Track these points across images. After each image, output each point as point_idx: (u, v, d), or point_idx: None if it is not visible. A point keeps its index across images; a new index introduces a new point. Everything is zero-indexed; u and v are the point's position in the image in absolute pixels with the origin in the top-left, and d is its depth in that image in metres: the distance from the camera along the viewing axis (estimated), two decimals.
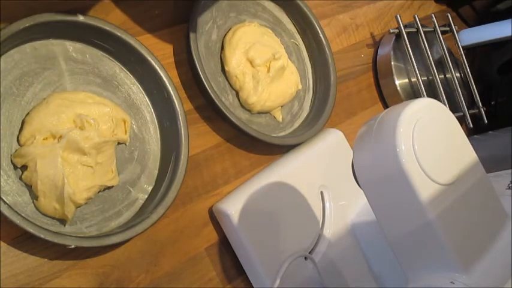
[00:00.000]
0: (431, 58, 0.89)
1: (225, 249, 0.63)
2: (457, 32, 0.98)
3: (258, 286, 0.62)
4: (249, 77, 0.67)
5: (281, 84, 0.71)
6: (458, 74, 0.97)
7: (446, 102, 0.88)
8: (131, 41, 0.58)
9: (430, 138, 0.49)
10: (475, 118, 0.95)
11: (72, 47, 0.56)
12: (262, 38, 0.70)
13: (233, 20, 0.70)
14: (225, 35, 0.69)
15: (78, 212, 0.53)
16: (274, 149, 0.71)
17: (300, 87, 0.74)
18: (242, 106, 0.69)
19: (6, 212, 0.46)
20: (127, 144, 0.58)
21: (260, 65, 0.68)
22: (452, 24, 0.97)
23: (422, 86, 0.86)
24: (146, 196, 0.58)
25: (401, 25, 0.88)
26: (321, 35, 0.77)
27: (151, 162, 0.60)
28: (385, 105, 0.90)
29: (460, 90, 0.93)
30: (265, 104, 0.69)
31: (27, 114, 0.52)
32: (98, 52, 0.58)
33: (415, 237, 0.49)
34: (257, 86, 0.68)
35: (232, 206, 0.61)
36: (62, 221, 0.52)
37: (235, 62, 0.67)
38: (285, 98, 0.72)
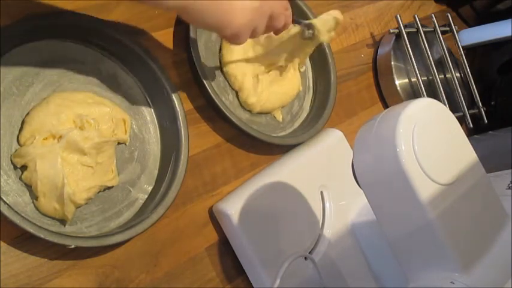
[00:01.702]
0: (431, 58, 0.89)
1: (225, 249, 0.63)
2: (457, 32, 0.98)
3: (258, 286, 0.62)
4: (249, 77, 0.67)
5: (283, 86, 0.70)
6: (458, 74, 0.97)
7: (446, 102, 0.88)
8: (131, 41, 0.58)
9: (430, 138, 0.49)
10: (475, 118, 0.95)
11: (72, 47, 0.56)
12: (262, 38, 0.69)
13: None
14: None
15: (78, 212, 0.53)
16: (274, 149, 0.71)
17: (301, 89, 0.74)
18: (242, 106, 0.69)
19: (6, 212, 0.46)
20: (127, 144, 0.58)
21: (260, 66, 0.68)
22: (452, 24, 0.97)
23: (422, 86, 0.86)
24: (146, 196, 0.58)
25: (401, 25, 0.88)
26: None
27: (151, 162, 0.60)
28: (385, 105, 0.90)
29: (460, 90, 0.93)
30: (265, 105, 0.69)
31: (27, 114, 0.52)
32: (98, 52, 0.58)
33: (415, 237, 0.49)
34: (257, 87, 0.68)
35: (232, 206, 0.61)
36: (62, 221, 0.52)
37: (234, 62, 0.67)
38: (286, 99, 0.71)
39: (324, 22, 0.68)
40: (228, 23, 0.51)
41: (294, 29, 0.67)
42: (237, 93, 0.68)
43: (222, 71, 0.68)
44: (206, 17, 0.50)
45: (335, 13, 0.69)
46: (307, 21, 0.67)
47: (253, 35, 0.55)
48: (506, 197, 0.61)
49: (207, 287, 0.61)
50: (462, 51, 0.97)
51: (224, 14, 0.51)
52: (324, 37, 0.69)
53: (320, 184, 0.70)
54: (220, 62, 0.68)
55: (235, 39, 0.53)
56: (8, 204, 0.47)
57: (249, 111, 0.69)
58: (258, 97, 0.68)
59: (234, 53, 0.67)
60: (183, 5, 0.48)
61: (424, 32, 0.90)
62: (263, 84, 0.68)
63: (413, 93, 0.89)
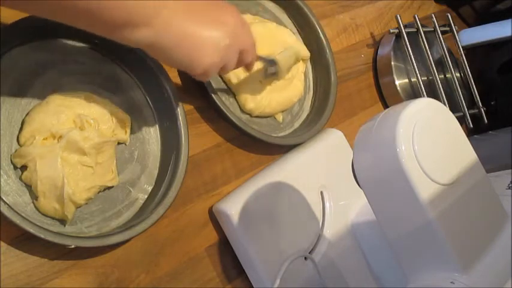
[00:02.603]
0: (431, 58, 0.89)
1: (225, 249, 0.63)
2: (457, 32, 0.98)
3: (258, 286, 0.62)
4: (244, 82, 0.67)
5: (285, 94, 0.70)
6: (458, 74, 0.97)
7: (446, 102, 0.88)
8: None
9: (430, 138, 0.49)
10: (475, 118, 0.95)
11: (72, 47, 0.56)
12: (262, 39, 0.68)
13: None
14: None
15: (78, 212, 0.53)
16: (274, 149, 0.71)
17: (303, 94, 0.74)
18: (241, 109, 0.68)
19: (6, 212, 0.46)
20: (127, 144, 0.58)
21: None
22: (452, 24, 0.97)
23: (422, 86, 0.86)
24: (146, 196, 0.58)
25: (401, 25, 0.88)
26: (321, 35, 0.77)
27: (151, 162, 0.60)
28: (385, 105, 0.90)
29: (460, 90, 0.93)
30: (265, 110, 0.68)
31: (27, 114, 0.52)
32: (98, 52, 0.58)
33: (415, 237, 0.49)
34: (255, 93, 0.67)
35: (232, 206, 0.61)
36: (62, 221, 0.52)
37: None
38: (287, 105, 0.71)
39: (287, 58, 0.67)
40: (198, 62, 0.49)
41: (258, 65, 0.65)
42: (234, 95, 0.68)
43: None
44: (174, 56, 0.48)
45: (299, 49, 0.68)
46: (270, 58, 0.65)
47: (223, 71, 0.54)
48: (506, 197, 0.61)
49: (207, 287, 0.61)
50: (462, 51, 0.97)
51: (193, 53, 0.48)
52: (284, 75, 0.68)
53: (320, 184, 0.70)
54: None
55: (203, 77, 0.52)
56: (8, 204, 0.47)
57: (248, 114, 0.69)
58: (256, 104, 0.67)
59: None
60: (150, 43, 0.46)
61: (424, 32, 0.90)
62: (262, 91, 0.67)
63: (413, 93, 0.89)
